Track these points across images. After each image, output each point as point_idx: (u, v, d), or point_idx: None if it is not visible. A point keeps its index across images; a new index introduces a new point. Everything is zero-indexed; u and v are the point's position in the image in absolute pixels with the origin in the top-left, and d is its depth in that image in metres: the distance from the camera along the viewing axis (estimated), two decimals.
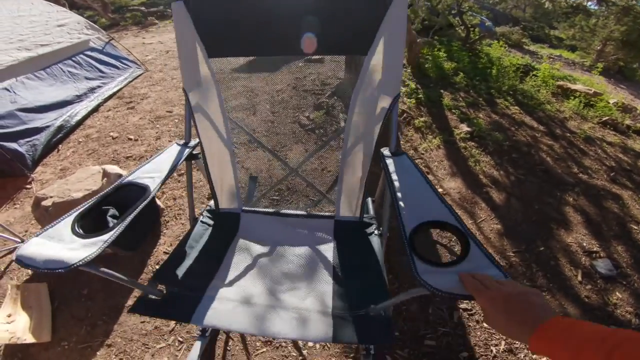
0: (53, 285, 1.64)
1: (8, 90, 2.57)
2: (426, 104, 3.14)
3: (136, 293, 1.62)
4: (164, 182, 0.92)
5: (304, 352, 1.41)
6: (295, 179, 2.06)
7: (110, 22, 8.79)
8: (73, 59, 3.37)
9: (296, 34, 1.01)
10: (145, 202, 0.81)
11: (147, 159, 2.35)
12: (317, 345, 1.43)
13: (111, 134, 2.76)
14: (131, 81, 3.82)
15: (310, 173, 2.26)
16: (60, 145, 2.66)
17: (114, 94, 3.50)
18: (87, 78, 3.37)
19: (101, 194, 0.83)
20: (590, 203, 2.25)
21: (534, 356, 1.41)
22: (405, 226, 0.71)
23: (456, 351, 1.41)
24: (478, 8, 6.66)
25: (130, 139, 2.67)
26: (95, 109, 3.17)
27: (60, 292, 1.63)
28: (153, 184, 0.88)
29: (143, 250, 1.77)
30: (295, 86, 3.13)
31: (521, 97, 3.65)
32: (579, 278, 1.75)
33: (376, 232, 1.14)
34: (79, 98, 3.10)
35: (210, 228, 1.17)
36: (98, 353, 1.41)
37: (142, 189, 0.85)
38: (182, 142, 1.11)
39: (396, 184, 0.85)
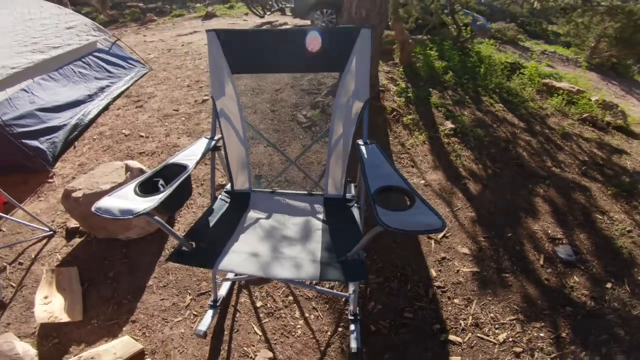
0: (82, 269, 1.84)
1: (26, 91, 2.76)
2: (415, 102, 3.35)
3: (156, 274, 1.83)
4: (198, 163, 1.24)
5: (300, 321, 1.63)
6: (293, 171, 2.33)
7: (109, 18, 8.87)
8: (83, 60, 3.55)
9: (295, 58, 1.42)
10: (186, 174, 1.12)
11: (158, 154, 2.58)
12: (312, 316, 1.66)
13: (123, 131, 2.97)
14: (137, 80, 4.01)
15: (307, 166, 2.49)
16: (76, 142, 2.87)
17: (122, 92, 3.69)
18: (96, 78, 3.56)
19: (153, 170, 1.13)
20: (559, 194, 2.48)
21: (498, 330, 1.63)
22: (370, 190, 0.97)
23: (430, 323, 1.63)
24: (475, 3, 6.78)
25: (142, 136, 2.89)
26: (106, 108, 3.38)
27: (89, 275, 1.82)
28: (190, 164, 1.18)
29: (161, 236, 2.01)
30: (293, 85, 3.34)
31: (506, 95, 3.86)
32: (541, 262, 1.96)
33: (356, 205, 1.45)
34: (90, 97, 3.30)
35: (227, 204, 1.49)
36: (124, 328, 1.60)
37: (182, 167, 1.16)
38: (209, 136, 1.43)
39: (366, 163, 1.16)
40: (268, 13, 7.03)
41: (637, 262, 2.03)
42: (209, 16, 7.86)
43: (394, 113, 3.09)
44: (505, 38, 8.62)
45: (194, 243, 1.17)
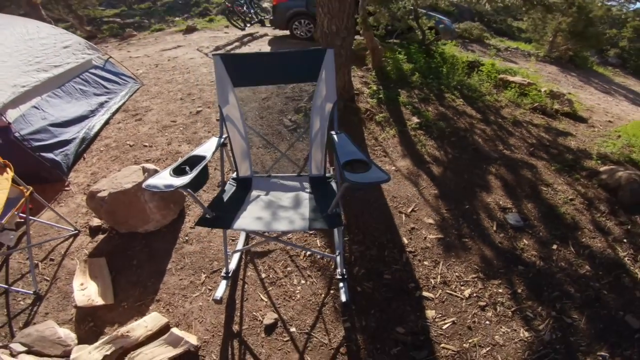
0: (108, 260, 2.11)
1: (37, 108, 3.02)
2: (386, 102, 3.79)
3: (173, 259, 2.14)
4: (213, 154, 1.63)
5: (299, 287, 1.98)
6: (284, 161, 2.70)
7: (87, 34, 8.88)
8: (81, 77, 3.81)
9: (282, 73, 1.87)
10: (206, 161, 1.51)
11: (163, 160, 2.91)
12: (308, 282, 2.00)
13: (127, 142, 3.28)
14: (131, 95, 4.29)
15: (296, 161, 2.85)
16: (85, 154, 3.16)
17: (120, 107, 3.98)
18: (95, 94, 3.83)
19: (181, 159, 1.49)
20: (508, 172, 2.94)
21: (463, 287, 1.97)
22: (339, 162, 1.40)
23: (406, 282, 1.99)
24: (444, 5, 7.21)
25: (146, 146, 3.21)
26: (107, 122, 3.66)
27: (115, 265, 2.09)
28: (208, 155, 1.57)
29: (174, 228, 2.34)
30: (278, 94, 3.71)
31: (467, 91, 4.35)
32: (494, 228, 2.35)
33: (334, 180, 1.88)
34: (92, 113, 3.57)
35: (235, 186, 1.89)
36: (150, 307, 1.86)
37: (202, 157, 1.54)
38: (217, 136, 1.80)
39: (337, 145, 1.58)
40: (248, 25, 7.37)
41: (580, 226, 2.43)
42: (190, 30, 8.13)
43: (368, 113, 3.52)
44: (472, 37, 9.22)
45: (214, 213, 1.55)
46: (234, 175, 1.98)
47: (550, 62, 8.50)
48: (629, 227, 2.46)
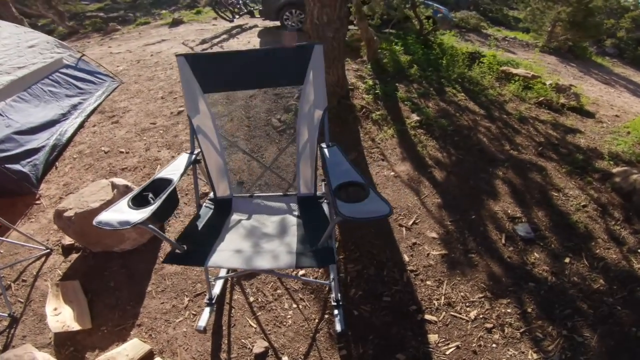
0: (83, 281, 1.94)
1: (0, 114, 2.77)
2: (383, 98, 3.53)
3: (153, 281, 1.95)
4: (182, 176, 1.39)
5: (290, 312, 1.78)
6: (270, 174, 2.46)
7: (69, 30, 8.52)
8: (50, 77, 3.52)
9: (260, 75, 1.59)
10: (172, 187, 1.27)
11: (141, 169, 2.65)
12: (300, 306, 1.80)
13: (102, 148, 3.02)
14: (109, 95, 4.00)
15: (284, 168, 2.61)
16: (57, 163, 2.90)
17: (95, 109, 3.70)
18: (67, 96, 3.55)
19: (142, 185, 1.26)
20: (517, 176, 2.71)
21: (469, 308, 1.79)
22: (331, 186, 1.17)
23: (407, 305, 1.80)
24: None
25: (122, 152, 2.95)
26: (81, 125, 3.38)
27: (91, 287, 1.94)
28: (175, 177, 1.32)
29: (153, 246, 2.12)
30: (266, 91, 3.45)
31: (468, 84, 4.10)
32: (503, 241, 2.14)
33: (325, 201, 1.64)
34: (64, 116, 3.30)
35: (212, 209, 1.64)
36: (131, 332, 1.72)
37: (168, 181, 1.30)
38: (189, 152, 1.56)
39: (328, 163, 1.35)
40: (237, 17, 7.04)
41: (593, 236, 2.22)
42: (176, 23, 7.78)
43: (364, 110, 3.27)
44: (469, 26, 8.96)
45: (185, 246, 1.32)
46: (211, 195, 1.73)
47: (549, 52, 8.27)
48: None
